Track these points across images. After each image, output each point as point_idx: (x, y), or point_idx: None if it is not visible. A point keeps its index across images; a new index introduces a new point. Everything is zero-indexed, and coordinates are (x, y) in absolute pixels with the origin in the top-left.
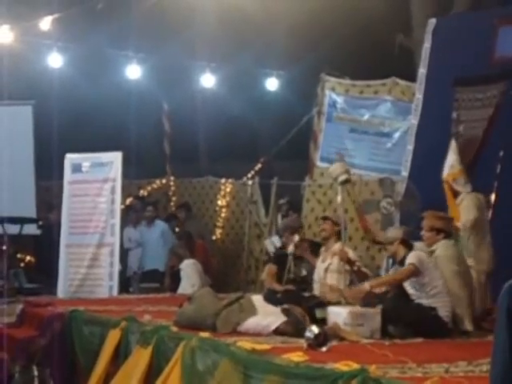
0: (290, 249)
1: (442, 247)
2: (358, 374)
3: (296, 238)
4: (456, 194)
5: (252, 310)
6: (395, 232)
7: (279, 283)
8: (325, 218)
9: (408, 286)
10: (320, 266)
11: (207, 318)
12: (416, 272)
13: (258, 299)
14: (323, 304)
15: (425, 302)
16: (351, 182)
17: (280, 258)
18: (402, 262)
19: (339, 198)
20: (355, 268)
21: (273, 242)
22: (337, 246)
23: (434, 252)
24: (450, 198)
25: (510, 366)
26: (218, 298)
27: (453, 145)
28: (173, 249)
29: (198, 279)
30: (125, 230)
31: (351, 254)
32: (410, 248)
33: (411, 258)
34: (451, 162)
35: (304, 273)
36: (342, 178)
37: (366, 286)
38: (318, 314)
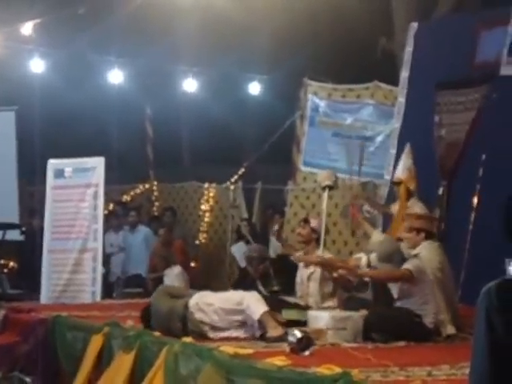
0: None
1: (427, 250)
2: (340, 377)
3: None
4: (408, 197)
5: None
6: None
7: None
8: (306, 221)
9: (394, 290)
10: (303, 271)
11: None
12: (410, 279)
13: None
14: (302, 308)
15: (410, 307)
16: (334, 188)
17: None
18: None
19: (324, 204)
20: (335, 275)
21: (239, 251)
22: (316, 254)
23: (418, 255)
24: (403, 200)
25: (489, 371)
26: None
27: (408, 149)
28: (155, 250)
29: None
30: (106, 235)
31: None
32: None
33: (410, 264)
34: (408, 166)
35: (275, 288)
36: (324, 183)
37: (356, 270)
38: (285, 315)
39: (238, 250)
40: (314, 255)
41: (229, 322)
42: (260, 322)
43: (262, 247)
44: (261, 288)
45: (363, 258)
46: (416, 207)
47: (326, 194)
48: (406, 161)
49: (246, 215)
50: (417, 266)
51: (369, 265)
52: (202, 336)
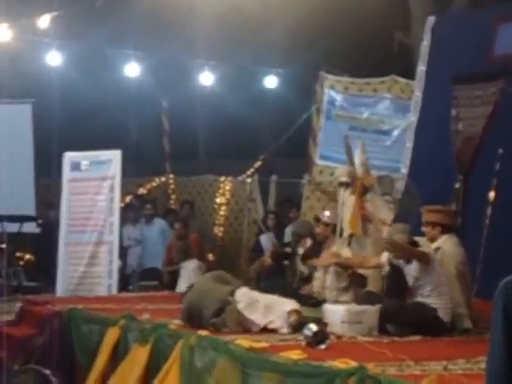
0: (300, 251)
1: (448, 244)
2: (356, 371)
3: (308, 242)
4: (364, 192)
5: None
6: (401, 236)
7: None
8: (317, 220)
9: (410, 281)
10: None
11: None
12: (426, 260)
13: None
14: (318, 304)
15: (425, 300)
16: (350, 186)
17: (280, 256)
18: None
19: (340, 202)
20: (349, 272)
21: (268, 240)
22: (334, 248)
23: (440, 249)
24: (358, 196)
25: (506, 364)
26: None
27: (361, 144)
28: (171, 244)
29: None
30: (123, 228)
31: (344, 251)
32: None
33: (429, 251)
34: (363, 161)
35: (307, 272)
36: (339, 180)
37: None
38: (305, 312)
39: (267, 241)
40: (328, 257)
41: (266, 321)
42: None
43: (309, 223)
44: (301, 267)
45: (384, 255)
46: (377, 201)
47: (342, 191)
48: (360, 156)
49: (261, 208)
50: (433, 254)
51: (390, 262)
52: (221, 328)
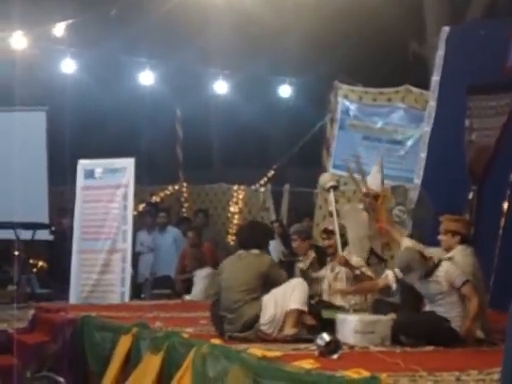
0: (304, 265)
1: (461, 254)
2: (368, 381)
3: (312, 254)
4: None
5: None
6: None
7: None
8: (330, 232)
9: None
10: (329, 275)
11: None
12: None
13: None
14: (331, 307)
15: (438, 310)
16: (338, 188)
17: (288, 265)
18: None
19: (332, 206)
20: (357, 272)
21: (275, 248)
22: (341, 254)
23: (452, 258)
24: (382, 213)
25: None
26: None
27: (380, 163)
28: (184, 252)
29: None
30: (138, 233)
31: (354, 259)
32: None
33: (464, 276)
34: (381, 179)
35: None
36: (328, 184)
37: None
38: (325, 314)
39: (274, 248)
40: (350, 287)
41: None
42: (286, 315)
43: (307, 225)
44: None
45: (389, 274)
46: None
47: (332, 195)
48: (379, 175)
49: (274, 217)
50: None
51: (397, 279)
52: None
